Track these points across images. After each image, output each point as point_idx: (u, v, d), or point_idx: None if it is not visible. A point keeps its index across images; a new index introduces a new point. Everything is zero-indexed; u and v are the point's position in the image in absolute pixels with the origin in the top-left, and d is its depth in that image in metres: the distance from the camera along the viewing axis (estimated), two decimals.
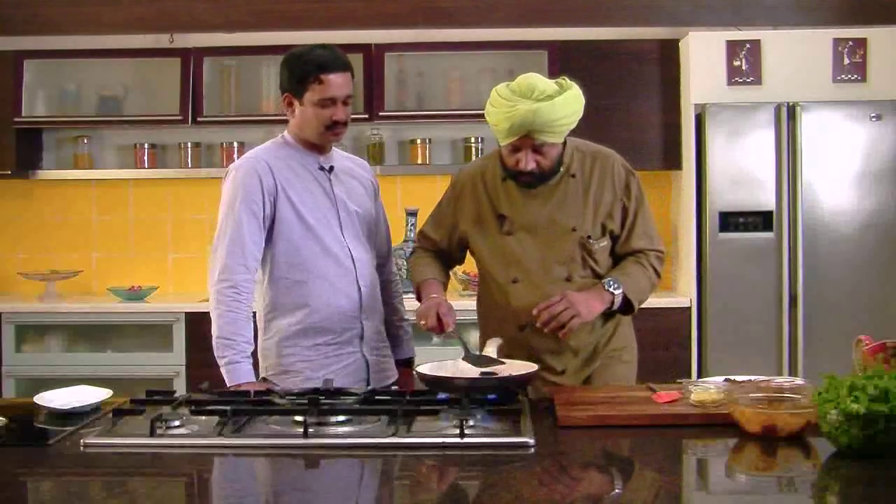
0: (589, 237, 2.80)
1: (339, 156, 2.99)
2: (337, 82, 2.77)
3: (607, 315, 2.83)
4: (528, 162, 2.72)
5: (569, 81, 2.73)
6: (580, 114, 2.72)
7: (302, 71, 2.77)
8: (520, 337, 2.80)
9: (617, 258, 2.87)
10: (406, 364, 3.11)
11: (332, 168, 2.90)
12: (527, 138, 2.68)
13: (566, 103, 2.66)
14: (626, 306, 2.81)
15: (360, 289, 2.86)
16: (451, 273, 3.06)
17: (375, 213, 3.02)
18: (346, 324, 2.85)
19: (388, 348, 3.02)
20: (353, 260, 2.86)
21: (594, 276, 2.82)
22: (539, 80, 2.69)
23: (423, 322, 2.71)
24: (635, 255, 2.85)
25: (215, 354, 2.73)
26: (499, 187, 2.86)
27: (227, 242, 2.76)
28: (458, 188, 2.94)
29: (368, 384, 2.84)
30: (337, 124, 2.80)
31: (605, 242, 2.84)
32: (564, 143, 2.81)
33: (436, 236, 2.99)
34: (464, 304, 3.42)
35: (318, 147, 2.88)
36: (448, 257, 3.02)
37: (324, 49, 2.81)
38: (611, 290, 2.74)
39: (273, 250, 2.82)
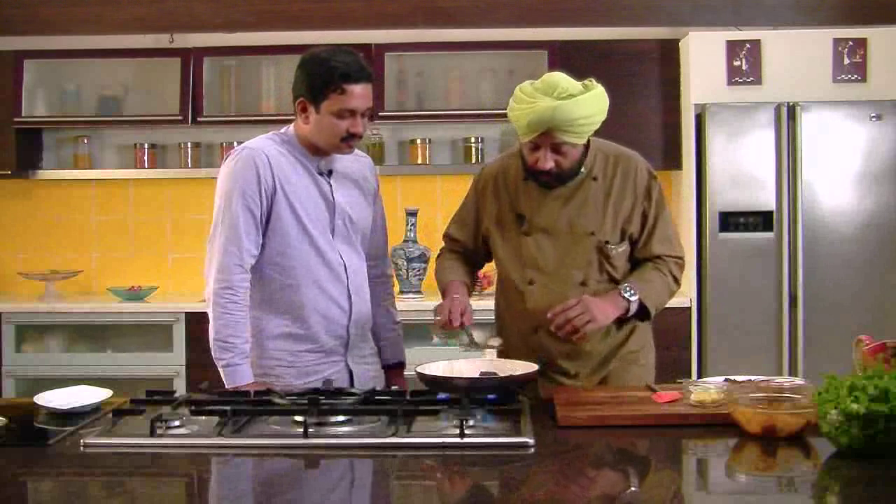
0: (607, 242, 2.78)
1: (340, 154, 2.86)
2: (359, 94, 2.63)
3: (622, 320, 2.79)
4: (547, 161, 2.68)
5: (595, 83, 2.69)
6: (603, 115, 2.68)
7: (323, 78, 2.62)
8: (533, 339, 2.78)
9: (635, 263, 2.84)
10: (396, 367, 3.03)
11: (331, 172, 2.80)
12: (546, 136, 2.64)
13: (588, 103, 2.62)
14: (643, 312, 2.78)
15: (350, 297, 2.80)
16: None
17: (372, 216, 2.93)
18: (333, 333, 2.78)
19: (374, 355, 2.95)
20: (345, 268, 2.79)
21: (611, 281, 2.79)
22: (563, 79, 2.65)
23: (437, 318, 2.68)
24: (654, 260, 2.82)
25: (213, 357, 2.70)
26: (520, 186, 2.82)
27: (223, 240, 2.69)
28: (481, 186, 2.91)
29: None
30: (353, 136, 2.68)
31: (624, 247, 2.81)
32: (588, 145, 2.78)
33: (461, 237, 2.96)
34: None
35: (323, 151, 2.76)
36: (475, 257, 2.98)
37: (347, 55, 2.65)
38: (627, 296, 2.71)
39: (267, 248, 2.72)
